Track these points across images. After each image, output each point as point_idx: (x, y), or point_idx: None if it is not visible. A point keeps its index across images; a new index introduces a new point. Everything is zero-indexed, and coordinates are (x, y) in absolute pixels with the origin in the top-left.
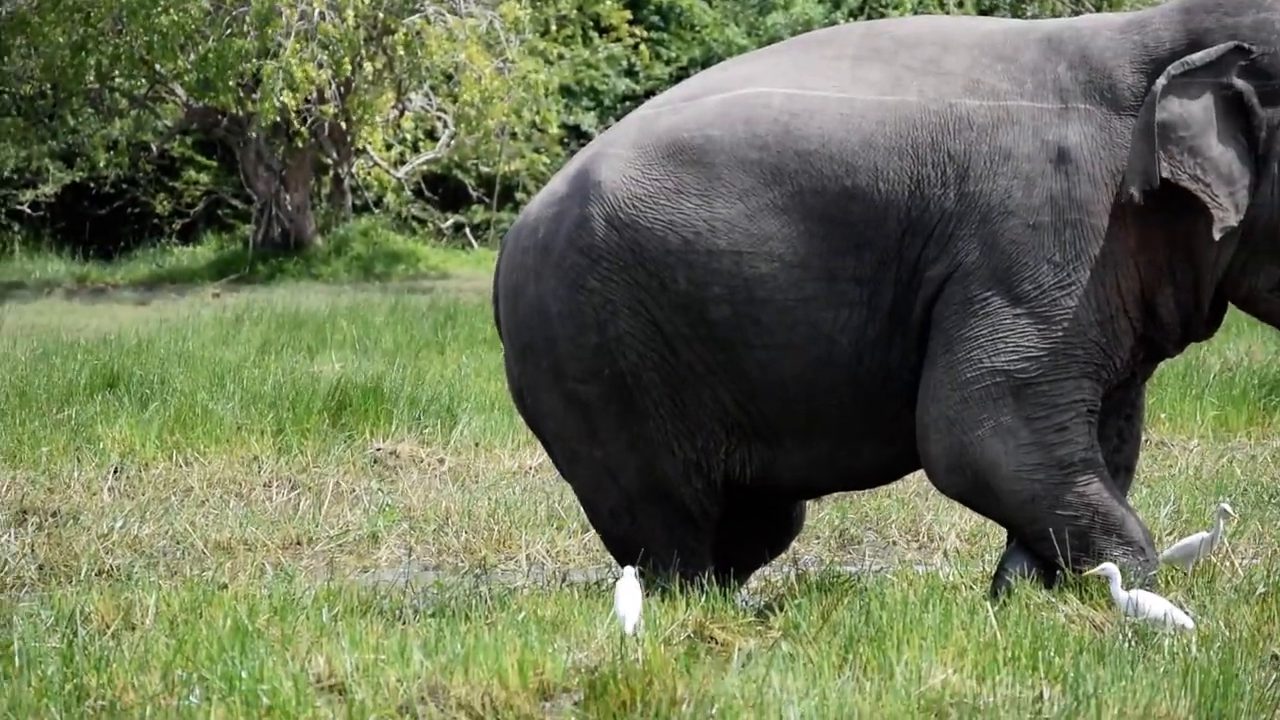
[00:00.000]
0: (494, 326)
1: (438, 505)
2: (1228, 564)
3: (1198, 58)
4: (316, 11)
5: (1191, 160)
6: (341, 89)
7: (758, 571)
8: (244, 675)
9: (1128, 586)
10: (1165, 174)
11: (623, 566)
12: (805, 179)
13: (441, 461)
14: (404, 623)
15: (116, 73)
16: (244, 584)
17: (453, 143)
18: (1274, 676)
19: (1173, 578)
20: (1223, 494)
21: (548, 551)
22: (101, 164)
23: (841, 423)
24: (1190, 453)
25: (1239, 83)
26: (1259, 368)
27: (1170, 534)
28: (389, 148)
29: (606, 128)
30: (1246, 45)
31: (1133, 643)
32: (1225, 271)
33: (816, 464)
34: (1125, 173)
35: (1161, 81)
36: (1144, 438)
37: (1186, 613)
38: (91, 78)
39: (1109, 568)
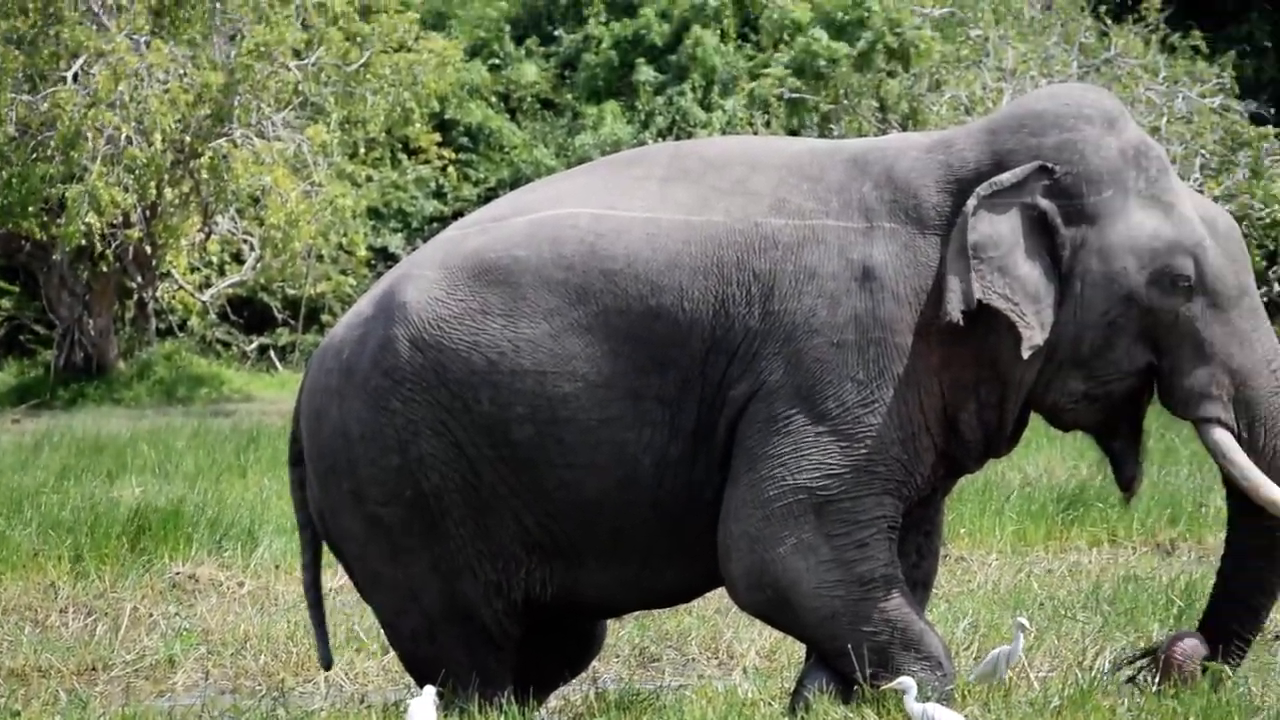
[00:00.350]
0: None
1: (236, 628)
2: (1024, 678)
3: (1005, 178)
4: (123, 135)
5: (1001, 279)
6: (147, 213)
7: (557, 690)
8: None
9: (924, 700)
10: (978, 294)
11: (422, 688)
12: (610, 298)
13: (241, 584)
14: None
15: None
16: (37, 711)
17: (259, 266)
18: None
19: (970, 692)
20: (1020, 608)
21: (347, 673)
22: None
23: (644, 543)
24: (989, 567)
25: (1043, 202)
26: (1057, 483)
27: (968, 648)
28: (194, 271)
29: (414, 249)
30: (1050, 165)
31: None
32: (1031, 388)
33: (619, 583)
34: (944, 294)
35: (972, 202)
36: (943, 553)
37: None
38: None
39: (905, 681)
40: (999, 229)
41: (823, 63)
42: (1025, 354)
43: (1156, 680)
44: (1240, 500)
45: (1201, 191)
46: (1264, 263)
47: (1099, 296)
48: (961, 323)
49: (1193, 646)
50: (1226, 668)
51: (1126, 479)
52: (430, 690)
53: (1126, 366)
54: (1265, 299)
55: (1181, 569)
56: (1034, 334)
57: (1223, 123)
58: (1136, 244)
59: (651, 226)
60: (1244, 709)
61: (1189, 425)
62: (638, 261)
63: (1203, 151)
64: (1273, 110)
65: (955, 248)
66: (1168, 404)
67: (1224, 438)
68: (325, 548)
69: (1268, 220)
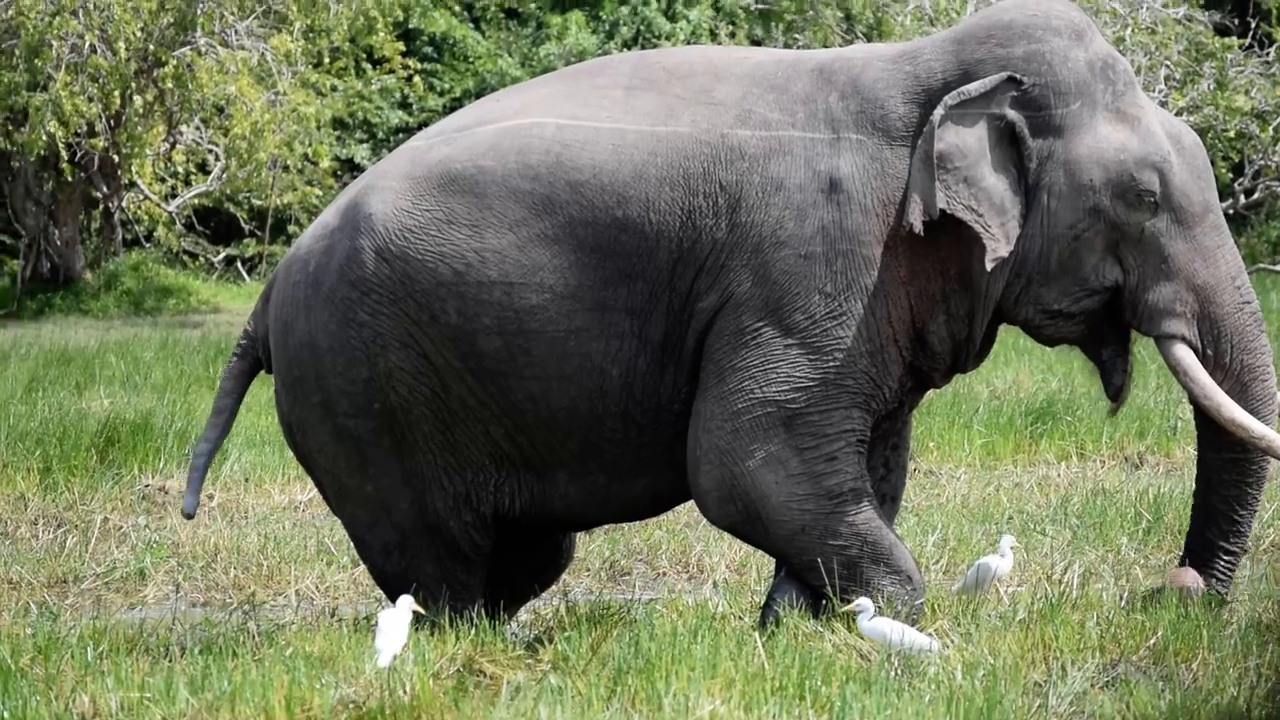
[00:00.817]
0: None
1: (206, 541)
2: (992, 592)
3: (973, 88)
4: (87, 44)
5: (966, 190)
6: (111, 122)
7: (528, 604)
8: (5, 715)
9: (894, 615)
10: (942, 204)
11: (393, 601)
12: (576, 210)
13: (211, 497)
14: (170, 660)
15: None
16: (8, 623)
17: (224, 176)
18: (1036, 703)
19: (939, 606)
20: (988, 522)
21: (317, 587)
22: None
23: (613, 455)
24: (958, 481)
25: (1011, 113)
26: (1026, 396)
27: (937, 562)
28: (160, 181)
29: (380, 160)
30: (1018, 76)
31: (899, 671)
32: (1001, 300)
33: (588, 496)
34: (907, 203)
35: (939, 112)
36: (912, 467)
37: (929, 635)
38: None
39: (861, 602)
40: (965, 139)
41: None
42: (989, 265)
43: None
44: (1205, 418)
45: (1165, 103)
46: (1229, 174)
47: (1065, 209)
48: (922, 233)
49: (1194, 579)
50: (1222, 594)
51: (1115, 388)
52: (406, 599)
53: (1094, 282)
54: (1230, 211)
55: (1149, 482)
56: (999, 246)
57: (1187, 33)
58: (1103, 157)
59: (617, 137)
60: (1211, 623)
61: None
62: (604, 172)
63: (1167, 62)
64: (1237, 21)
65: (920, 157)
66: (1132, 321)
67: (1186, 355)
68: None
69: (1232, 132)
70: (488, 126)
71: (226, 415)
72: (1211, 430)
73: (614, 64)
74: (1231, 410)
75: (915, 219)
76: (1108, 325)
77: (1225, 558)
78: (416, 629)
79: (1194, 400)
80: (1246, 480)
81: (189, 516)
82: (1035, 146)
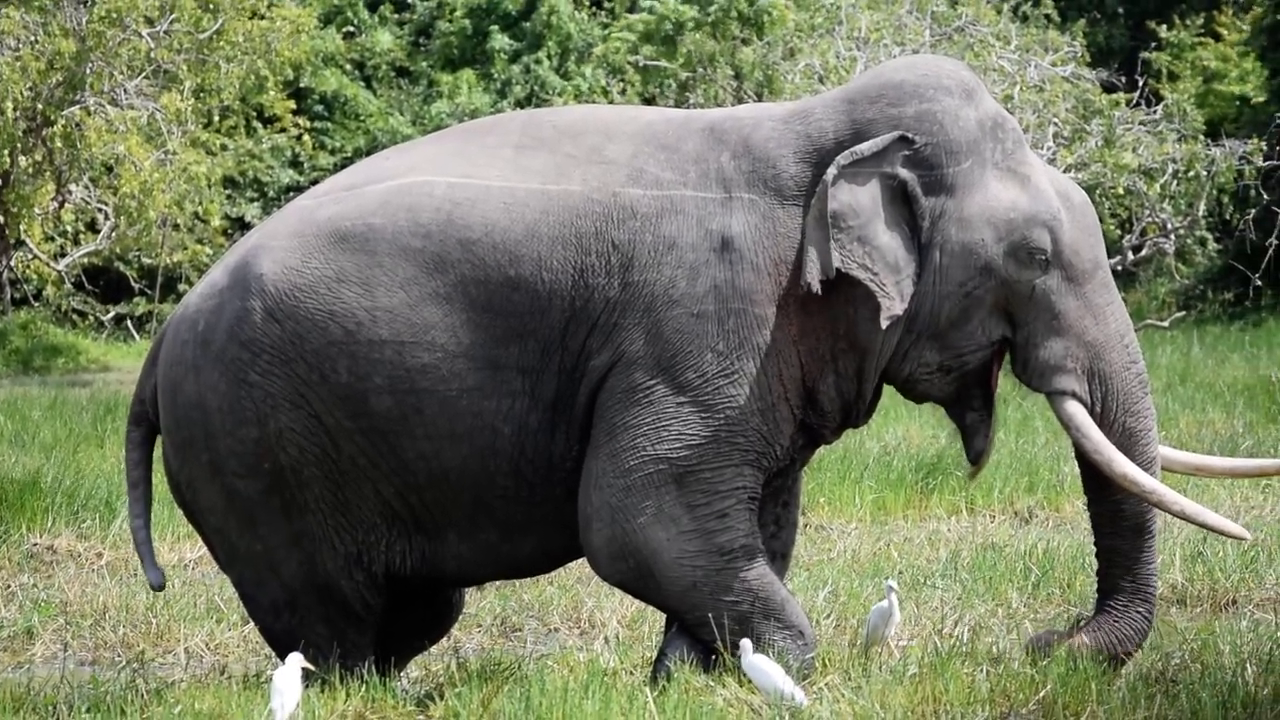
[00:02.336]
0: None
1: (95, 599)
2: (883, 646)
3: (865, 147)
4: None
5: (860, 249)
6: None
7: (418, 660)
8: None
9: (786, 669)
10: (837, 263)
11: (283, 659)
12: (468, 268)
13: (99, 555)
14: (58, 719)
15: None
16: None
17: (114, 235)
18: None
19: (830, 660)
20: (879, 576)
21: (206, 644)
22: None
23: (504, 513)
24: (848, 536)
25: (903, 172)
26: (916, 451)
27: (828, 616)
28: (49, 240)
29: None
30: (910, 135)
31: None
32: (889, 358)
33: (479, 554)
34: (803, 262)
35: (832, 171)
36: (803, 522)
37: (801, 687)
38: None
39: (744, 642)
40: (859, 198)
41: (670, 26)
42: (884, 324)
43: None
44: (1094, 472)
45: (1054, 160)
46: (1117, 231)
47: (957, 267)
48: (820, 292)
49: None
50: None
51: (976, 452)
52: (296, 657)
53: (982, 338)
54: (1119, 267)
55: (1039, 537)
56: (893, 304)
57: (1074, 91)
58: (994, 215)
59: (508, 196)
60: (1099, 676)
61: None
62: (495, 230)
63: (1055, 120)
64: (1124, 79)
65: (814, 216)
66: (1022, 377)
67: (1078, 411)
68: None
69: (1120, 189)
70: (377, 185)
71: (143, 485)
72: (1096, 483)
73: (503, 123)
74: (1123, 465)
75: (812, 278)
76: (976, 388)
77: (1137, 605)
78: (307, 686)
79: (1085, 455)
80: (1139, 526)
81: (159, 589)
82: (928, 205)
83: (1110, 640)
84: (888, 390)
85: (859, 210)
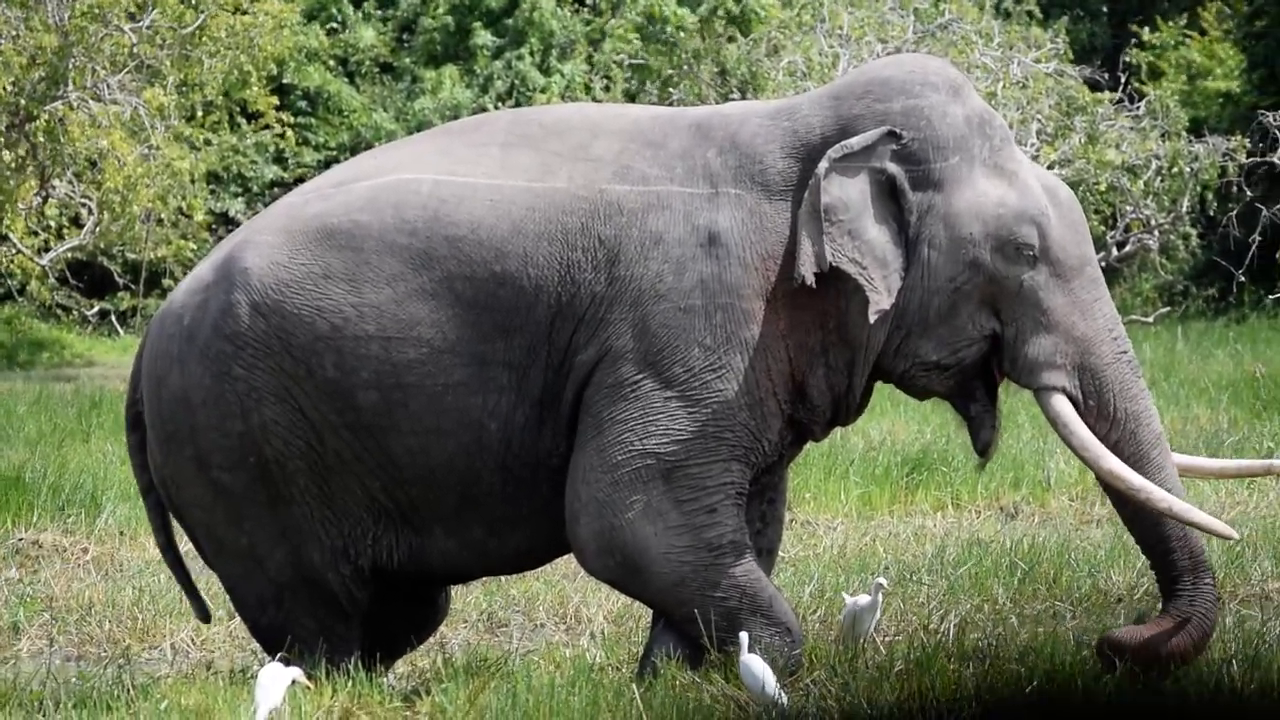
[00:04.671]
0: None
1: (81, 595)
2: (870, 641)
3: (854, 142)
4: None
5: (850, 243)
6: None
7: (405, 656)
8: None
9: (772, 665)
10: (828, 257)
11: (270, 654)
12: (454, 264)
13: (85, 550)
14: (44, 715)
15: None
16: None
17: (98, 230)
18: None
19: (817, 657)
20: (865, 572)
21: (192, 640)
22: None
23: (491, 509)
24: (834, 531)
25: (891, 167)
26: (901, 447)
27: (814, 612)
28: (32, 235)
29: (255, 214)
30: (897, 130)
31: None
32: (880, 355)
33: (465, 550)
34: (796, 255)
35: (823, 165)
36: (789, 518)
37: (785, 687)
38: None
39: (741, 636)
40: (849, 192)
41: (670, 29)
42: (872, 318)
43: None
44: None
45: (1037, 157)
46: (1101, 228)
47: (945, 262)
48: (813, 285)
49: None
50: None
51: (983, 443)
52: (296, 671)
53: (973, 333)
54: (1103, 264)
55: (1024, 532)
56: (881, 299)
57: (1058, 88)
58: (982, 211)
59: (494, 193)
60: (1085, 673)
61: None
62: (481, 227)
63: (1038, 117)
64: (1107, 75)
65: (807, 210)
66: (1010, 373)
67: (1065, 408)
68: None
69: (1104, 186)
70: (364, 182)
71: (155, 496)
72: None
73: (490, 121)
74: (1109, 462)
75: (806, 271)
76: (978, 380)
77: (1202, 577)
78: (293, 683)
79: (1073, 451)
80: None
81: (205, 621)
82: (915, 200)
83: (1200, 624)
84: (875, 386)
85: (849, 204)
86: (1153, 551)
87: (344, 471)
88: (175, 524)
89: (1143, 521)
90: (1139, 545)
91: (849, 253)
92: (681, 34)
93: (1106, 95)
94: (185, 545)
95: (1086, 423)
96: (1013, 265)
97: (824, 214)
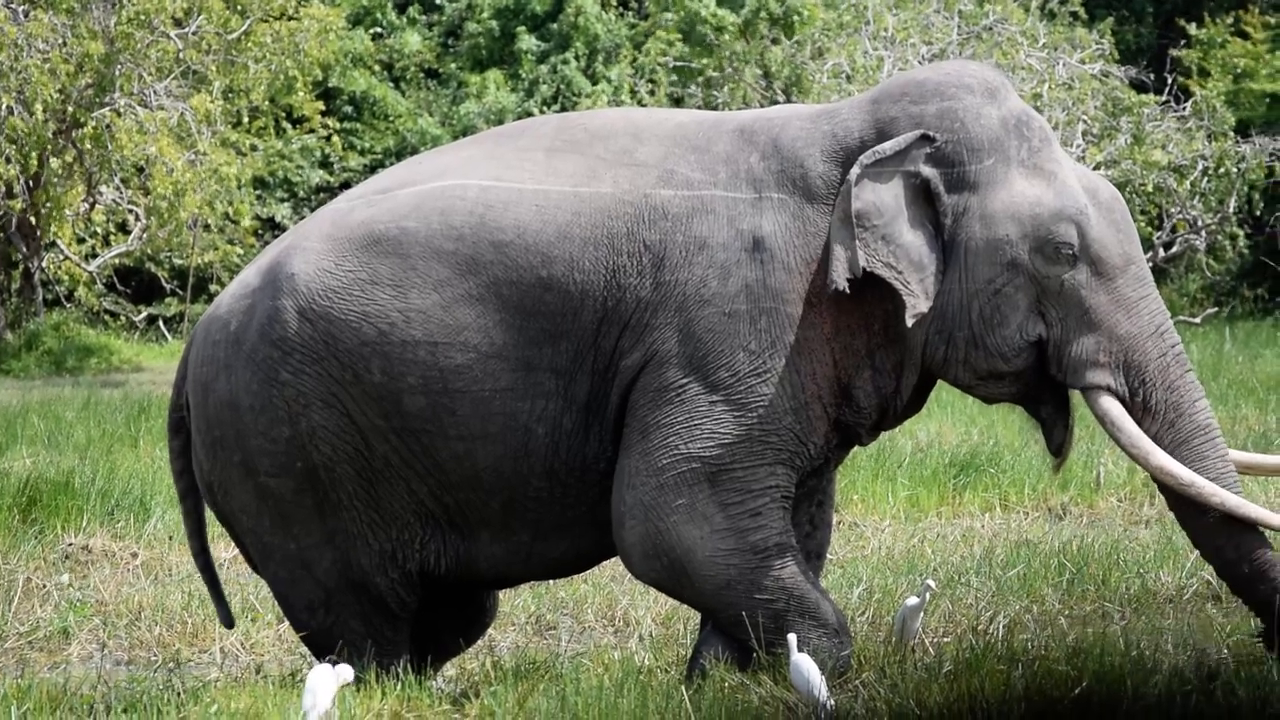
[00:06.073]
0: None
1: (130, 599)
2: (918, 642)
3: (887, 146)
4: (4, 106)
5: (885, 248)
6: (30, 184)
7: (454, 659)
8: None
9: (821, 667)
10: (862, 262)
11: (319, 658)
12: (501, 270)
13: (134, 555)
14: (94, 719)
15: None
16: None
17: (145, 236)
18: None
19: (865, 658)
20: (914, 574)
21: (242, 644)
22: None
23: (537, 513)
24: (882, 533)
25: (925, 170)
26: (949, 449)
27: (862, 614)
28: (80, 241)
29: (301, 219)
30: (931, 133)
31: None
32: (930, 360)
33: (512, 554)
34: (830, 262)
35: (855, 170)
36: (837, 519)
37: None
38: None
39: (790, 637)
40: (882, 197)
41: (710, 31)
42: (909, 322)
43: None
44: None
45: (1083, 158)
46: (1148, 228)
47: (983, 264)
48: (848, 290)
49: None
50: None
51: (1056, 444)
52: (344, 668)
53: (1022, 341)
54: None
55: (1072, 534)
56: (918, 302)
57: (1103, 89)
58: (1018, 212)
59: (540, 198)
60: (1135, 674)
61: (1077, 392)
62: (527, 233)
63: (1084, 118)
64: (1152, 76)
65: (839, 216)
66: (1057, 373)
67: (1113, 406)
68: (210, 515)
69: (1150, 186)
70: (410, 188)
71: (191, 498)
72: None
73: (535, 126)
74: (1159, 458)
75: (839, 277)
76: (1044, 382)
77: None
78: (343, 686)
79: (1122, 449)
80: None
81: (229, 627)
82: (950, 202)
83: None
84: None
85: (882, 209)
86: (1236, 553)
87: (391, 476)
88: (212, 530)
89: (1218, 521)
90: (1212, 554)
91: (884, 257)
92: (724, 36)
93: (1152, 96)
94: (222, 552)
95: (1135, 419)
96: (1053, 265)
97: (856, 220)
